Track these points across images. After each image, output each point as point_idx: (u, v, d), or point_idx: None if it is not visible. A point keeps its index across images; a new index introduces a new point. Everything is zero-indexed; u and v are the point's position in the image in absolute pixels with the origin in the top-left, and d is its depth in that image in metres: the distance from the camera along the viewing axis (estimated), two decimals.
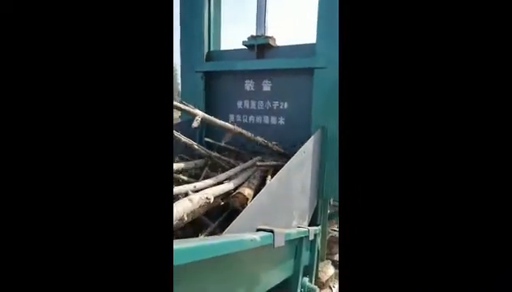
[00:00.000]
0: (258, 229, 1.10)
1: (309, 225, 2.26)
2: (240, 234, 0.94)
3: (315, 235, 2.11)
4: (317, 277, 2.47)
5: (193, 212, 1.31)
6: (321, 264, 2.75)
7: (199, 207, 1.37)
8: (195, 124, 1.82)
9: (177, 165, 1.97)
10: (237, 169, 1.99)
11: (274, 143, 2.53)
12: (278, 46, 2.76)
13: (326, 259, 2.97)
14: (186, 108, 1.91)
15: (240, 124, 2.69)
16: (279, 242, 1.10)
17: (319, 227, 2.37)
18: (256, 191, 1.68)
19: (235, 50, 2.89)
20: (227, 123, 2.16)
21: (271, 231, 1.07)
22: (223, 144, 2.37)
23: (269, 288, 1.22)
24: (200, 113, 1.93)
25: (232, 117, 2.96)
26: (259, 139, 2.41)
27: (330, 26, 2.30)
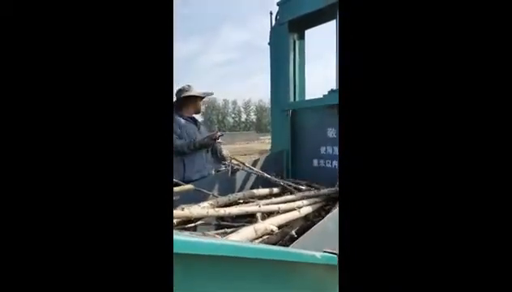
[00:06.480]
0: (324, 252, 1.11)
1: None
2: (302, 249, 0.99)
3: None
4: None
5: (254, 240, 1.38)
6: None
7: (261, 237, 1.42)
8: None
9: (252, 192, 2.12)
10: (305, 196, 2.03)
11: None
12: None
13: None
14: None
15: (324, 168, 2.81)
16: None
17: None
18: None
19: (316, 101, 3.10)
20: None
21: (336, 254, 1.07)
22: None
23: None
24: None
25: (315, 161, 3.06)
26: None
27: None
